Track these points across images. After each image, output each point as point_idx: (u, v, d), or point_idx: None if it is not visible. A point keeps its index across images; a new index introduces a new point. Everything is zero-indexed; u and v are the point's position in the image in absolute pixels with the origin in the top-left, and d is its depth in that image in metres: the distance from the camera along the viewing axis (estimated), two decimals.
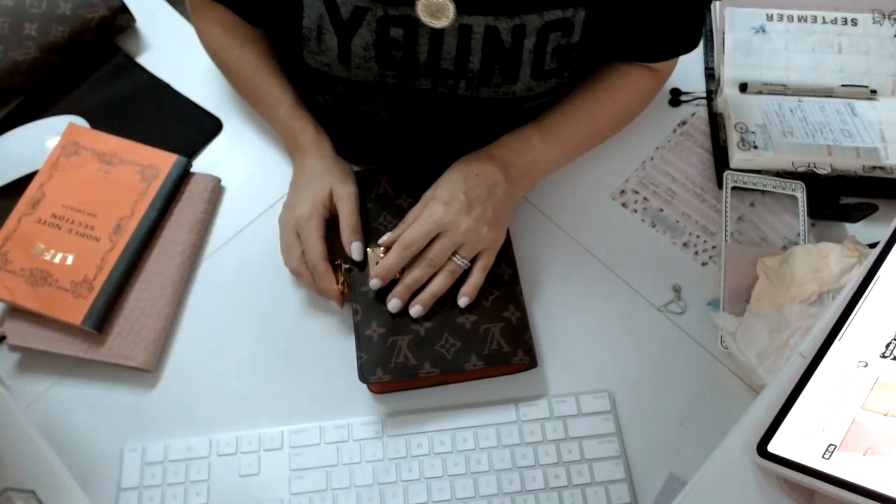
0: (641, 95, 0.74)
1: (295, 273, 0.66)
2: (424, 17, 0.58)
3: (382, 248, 0.65)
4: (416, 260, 0.63)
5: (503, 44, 0.59)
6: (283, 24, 0.64)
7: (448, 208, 0.63)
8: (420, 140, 0.72)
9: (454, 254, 0.63)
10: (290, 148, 0.72)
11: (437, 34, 0.59)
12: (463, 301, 0.63)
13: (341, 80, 0.64)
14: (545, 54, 0.61)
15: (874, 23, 0.80)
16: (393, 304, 0.63)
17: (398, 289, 0.63)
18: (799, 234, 0.71)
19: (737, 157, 0.73)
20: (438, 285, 0.63)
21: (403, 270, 0.64)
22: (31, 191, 0.70)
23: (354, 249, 0.65)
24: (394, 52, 0.61)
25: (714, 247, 0.72)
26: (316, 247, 0.64)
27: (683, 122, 0.79)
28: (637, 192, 0.75)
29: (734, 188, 0.72)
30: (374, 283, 0.63)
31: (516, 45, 0.60)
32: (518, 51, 0.60)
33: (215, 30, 0.73)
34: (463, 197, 0.63)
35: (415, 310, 0.63)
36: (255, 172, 0.76)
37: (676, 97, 0.80)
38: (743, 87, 0.78)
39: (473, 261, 0.64)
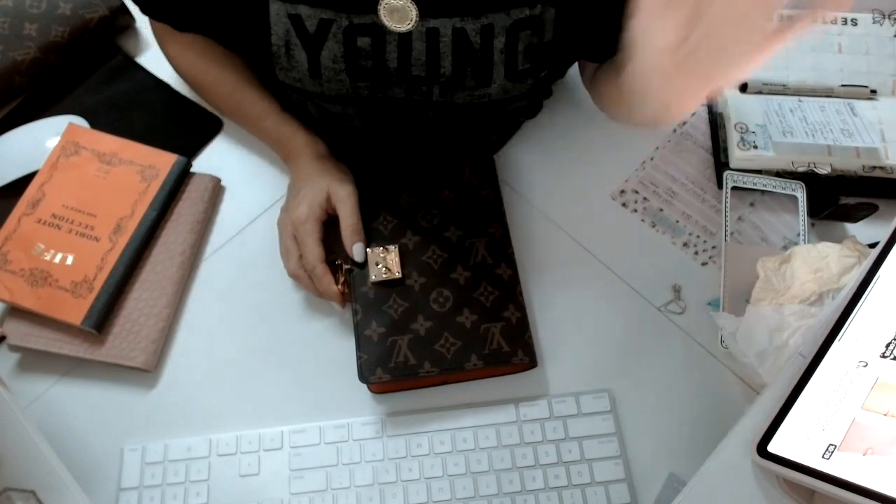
0: None
1: (294, 277, 0.66)
2: (388, 22, 0.57)
3: (382, 248, 0.65)
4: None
5: (472, 45, 0.59)
6: (253, 44, 0.64)
7: None
8: (402, 147, 0.72)
9: None
10: (284, 154, 0.72)
11: (405, 40, 0.59)
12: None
13: (315, 95, 0.64)
14: (517, 54, 0.60)
15: (874, 23, 0.80)
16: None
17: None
18: (799, 234, 0.71)
19: (737, 157, 0.73)
20: None
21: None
22: (31, 191, 0.70)
23: (356, 251, 0.65)
24: (363, 62, 0.60)
25: (714, 247, 0.72)
26: (313, 250, 0.64)
27: (683, 122, 0.79)
28: (637, 192, 0.75)
29: (734, 188, 0.72)
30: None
31: (486, 46, 0.59)
32: (489, 52, 0.59)
33: (188, 55, 0.73)
34: None
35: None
36: (255, 172, 0.76)
37: None
38: (743, 87, 0.78)
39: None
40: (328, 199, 0.66)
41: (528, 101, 0.65)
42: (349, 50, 0.60)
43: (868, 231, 0.70)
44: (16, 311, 0.66)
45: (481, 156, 0.71)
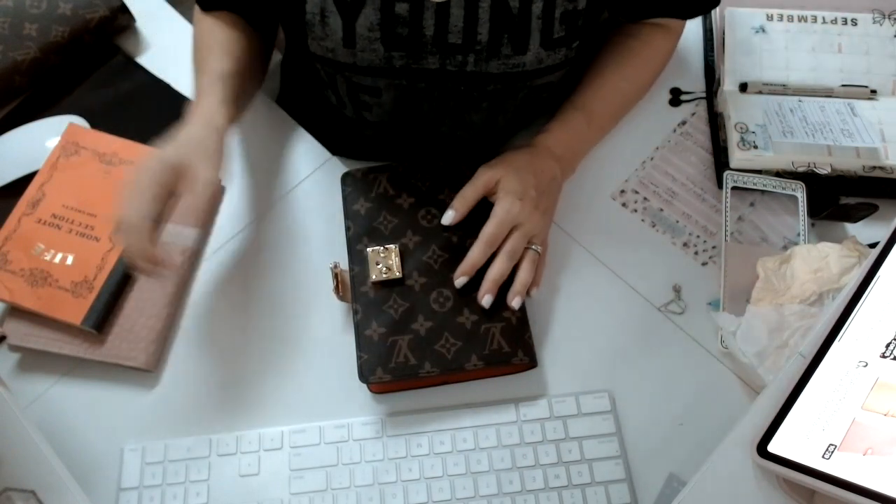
0: (662, 58, 0.77)
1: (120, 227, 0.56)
2: None
3: (382, 248, 0.65)
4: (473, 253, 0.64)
5: (511, 10, 0.59)
6: (286, 14, 0.63)
7: (523, 204, 0.65)
8: (422, 133, 0.72)
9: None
10: (189, 110, 0.62)
11: (444, 7, 0.59)
12: (516, 301, 0.64)
13: (346, 67, 0.64)
14: (553, 20, 0.60)
15: (874, 23, 0.80)
16: (486, 300, 0.63)
17: (487, 285, 0.63)
18: (799, 234, 0.71)
19: (737, 157, 0.73)
20: (525, 275, 0.64)
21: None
22: (31, 191, 0.70)
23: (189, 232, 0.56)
24: (399, 29, 0.60)
25: (714, 247, 0.72)
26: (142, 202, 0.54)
27: (683, 122, 0.79)
28: (637, 192, 0.75)
29: (734, 188, 0.72)
30: (461, 280, 0.63)
31: (524, 11, 0.59)
32: (526, 17, 0.60)
33: (209, 22, 0.68)
34: (533, 192, 0.66)
35: (516, 301, 0.63)
36: (255, 172, 0.76)
37: (676, 97, 0.80)
38: (743, 87, 0.78)
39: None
40: (180, 171, 0.56)
41: (557, 73, 0.66)
42: (386, 17, 0.59)
43: (868, 231, 0.70)
44: (16, 311, 0.66)
45: (488, 151, 0.71)
